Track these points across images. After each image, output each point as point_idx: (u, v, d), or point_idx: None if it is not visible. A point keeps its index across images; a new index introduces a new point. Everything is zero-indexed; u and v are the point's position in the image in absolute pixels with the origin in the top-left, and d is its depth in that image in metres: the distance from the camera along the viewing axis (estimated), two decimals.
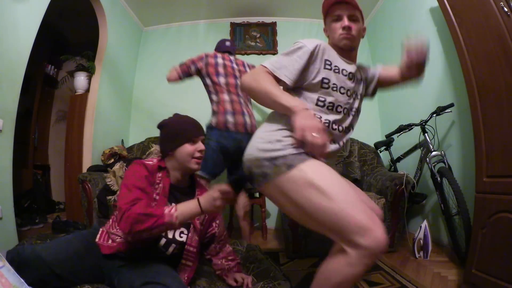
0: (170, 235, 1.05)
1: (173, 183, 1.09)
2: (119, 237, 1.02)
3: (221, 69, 1.91)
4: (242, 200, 1.96)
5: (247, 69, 2.05)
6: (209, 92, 1.92)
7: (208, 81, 1.90)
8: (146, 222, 0.87)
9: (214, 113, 1.82)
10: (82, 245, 0.99)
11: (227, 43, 2.17)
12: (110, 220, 1.09)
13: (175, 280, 0.93)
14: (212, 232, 1.20)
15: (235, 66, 1.99)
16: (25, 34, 1.87)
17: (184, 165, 1.07)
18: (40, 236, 1.32)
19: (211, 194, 0.92)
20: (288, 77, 0.95)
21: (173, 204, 0.99)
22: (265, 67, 0.96)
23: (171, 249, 1.05)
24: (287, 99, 0.86)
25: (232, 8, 3.17)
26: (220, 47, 2.15)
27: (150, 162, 1.08)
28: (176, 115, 1.23)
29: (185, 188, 1.13)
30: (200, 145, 1.09)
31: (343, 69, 1.02)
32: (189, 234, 1.08)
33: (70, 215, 2.57)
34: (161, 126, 1.17)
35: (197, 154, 1.07)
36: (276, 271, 1.19)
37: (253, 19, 3.35)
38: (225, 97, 1.84)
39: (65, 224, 2.39)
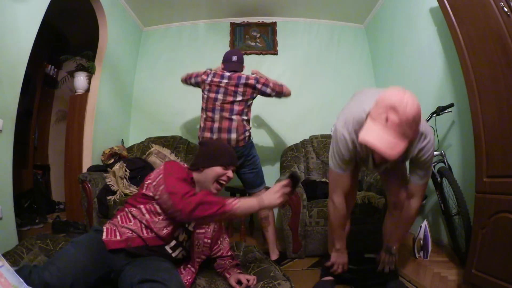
0: (180, 238, 1.14)
1: None
2: (130, 232, 1.06)
3: (207, 86, 1.95)
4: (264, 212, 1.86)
5: (240, 87, 1.87)
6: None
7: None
8: (211, 208, 0.96)
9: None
10: (89, 261, 0.96)
11: (234, 58, 2.02)
12: (119, 217, 1.12)
13: (173, 277, 0.94)
14: (218, 253, 1.27)
15: (224, 80, 1.90)
16: (25, 34, 1.87)
17: (206, 184, 1.16)
18: (40, 236, 1.31)
19: (273, 190, 1.02)
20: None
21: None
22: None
23: (177, 251, 1.13)
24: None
25: (232, 8, 3.17)
26: (226, 66, 2.02)
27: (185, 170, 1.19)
28: (218, 140, 1.40)
29: None
30: (230, 173, 1.17)
31: None
32: (195, 248, 1.16)
33: (70, 215, 2.57)
34: (202, 143, 1.29)
35: (224, 178, 1.16)
36: (276, 271, 1.19)
37: (253, 19, 3.34)
38: (203, 114, 1.94)
39: (65, 224, 2.40)
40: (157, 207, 1.08)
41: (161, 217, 1.08)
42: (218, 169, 1.15)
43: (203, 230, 1.17)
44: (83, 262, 0.94)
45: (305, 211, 1.92)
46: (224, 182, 1.18)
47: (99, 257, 0.99)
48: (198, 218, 0.98)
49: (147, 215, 1.08)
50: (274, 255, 1.86)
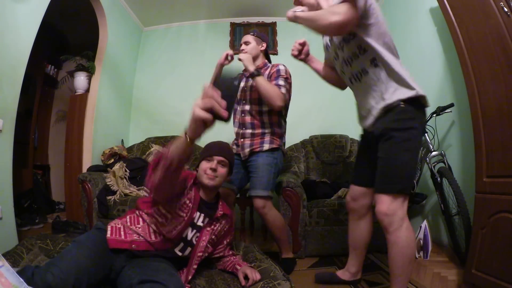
0: (189, 237, 1.13)
1: (202, 197, 1.18)
2: (136, 235, 1.07)
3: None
4: None
5: None
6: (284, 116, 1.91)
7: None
8: (156, 168, 0.89)
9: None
10: (91, 261, 0.95)
11: None
12: (128, 218, 1.14)
13: (172, 277, 0.94)
14: (221, 253, 1.28)
15: None
16: (25, 34, 1.87)
17: (200, 179, 1.17)
18: (40, 236, 1.31)
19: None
20: None
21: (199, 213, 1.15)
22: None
23: (187, 251, 1.13)
24: None
25: (232, 8, 3.17)
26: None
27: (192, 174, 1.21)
28: None
29: (211, 204, 1.22)
30: (213, 164, 1.17)
31: None
32: (201, 243, 1.15)
33: (70, 215, 2.57)
34: None
35: (208, 171, 1.16)
36: (276, 271, 1.18)
37: (253, 19, 3.35)
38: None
39: (65, 224, 2.40)
40: (164, 211, 1.09)
41: (169, 219, 1.08)
42: (203, 164, 1.19)
43: (210, 228, 1.18)
44: (85, 263, 0.94)
45: (305, 211, 1.92)
46: (210, 172, 1.15)
47: (101, 257, 0.99)
48: (156, 182, 0.91)
49: (155, 219, 1.09)
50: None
